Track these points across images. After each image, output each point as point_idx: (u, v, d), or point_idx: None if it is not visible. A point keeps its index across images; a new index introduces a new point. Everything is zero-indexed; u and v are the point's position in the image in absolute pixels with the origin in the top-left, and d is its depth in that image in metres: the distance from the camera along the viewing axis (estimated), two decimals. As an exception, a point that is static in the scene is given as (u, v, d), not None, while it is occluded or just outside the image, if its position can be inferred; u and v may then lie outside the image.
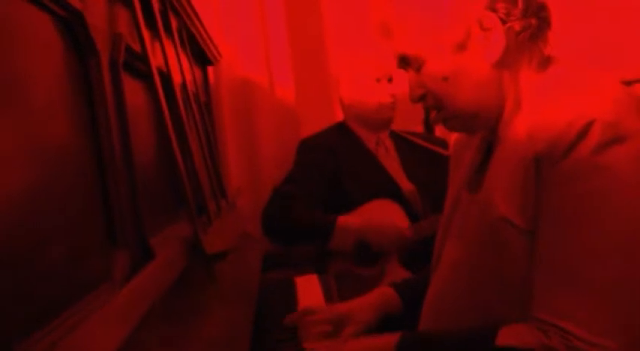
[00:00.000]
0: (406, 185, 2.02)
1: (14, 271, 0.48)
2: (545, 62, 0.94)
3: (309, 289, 1.53)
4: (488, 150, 1.00)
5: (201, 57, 1.68)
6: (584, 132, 0.78)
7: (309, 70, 2.50)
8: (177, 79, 1.12)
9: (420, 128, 2.60)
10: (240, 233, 1.42)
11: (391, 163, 2.09)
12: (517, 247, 0.86)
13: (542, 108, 0.87)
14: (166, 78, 1.00)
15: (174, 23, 1.13)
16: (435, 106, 0.98)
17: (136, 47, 0.89)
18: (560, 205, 0.81)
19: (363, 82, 2.08)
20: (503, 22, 0.89)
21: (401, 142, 2.16)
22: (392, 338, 0.94)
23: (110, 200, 0.71)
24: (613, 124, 0.79)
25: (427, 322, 1.05)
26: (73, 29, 0.67)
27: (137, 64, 0.92)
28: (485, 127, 0.98)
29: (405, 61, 0.97)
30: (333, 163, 2.02)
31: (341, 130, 2.15)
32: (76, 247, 0.61)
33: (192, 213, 0.87)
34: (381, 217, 1.89)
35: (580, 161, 0.79)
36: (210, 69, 1.86)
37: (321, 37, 2.60)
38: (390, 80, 2.07)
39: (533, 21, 0.90)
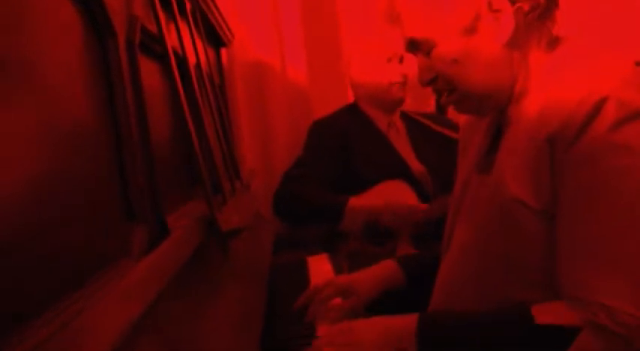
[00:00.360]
0: (417, 167, 2.03)
1: (36, 244, 0.50)
2: (555, 42, 0.94)
3: (320, 268, 1.55)
4: (497, 132, 1.01)
5: (215, 39, 1.69)
6: (596, 109, 0.79)
7: (321, 51, 2.50)
8: (191, 60, 1.13)
9: (431, 109, 2.60)
10: (254, 213, 1.44)
11: (402, 144, 2.09)
12: (530, 228, 0.86)
13: (552, 87, 0.87)
14: (181, 59, 1.02)
15: (188, 5, 1.14)
16: (445, 89, 0.98)
17: (152, 28, 0.90)
18: (581, 185, 0.81)
19: (373, 62, 2.08)
20: (512, 2, 0.90)
21: (412, 123, 2.17)
22: (409, 319, 0.91)
23: (128, 178, 0.73)
24: (626, 101, 0.79)
25: (438, 304, 1.06)
26: (92, 10, 0.69)
27: (153, 45, 0.94)
28: (496, 108, 0.98)
29: (414, 45, 0.98)
30: (345, 145, 2.03)
31: (352, 111, 2.15)
32: (95, 223, 0.63)
33: (207, 191, 0.89)
34: (391, 196, 1.90)
35: (596, 140, 0.79)
36: (223, 51, 1.87)
37: (334, 19, 2.60)
38: (401, 60, 2.07)
39: (542, 1, 0.91)
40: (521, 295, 0.88)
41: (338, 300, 1.17)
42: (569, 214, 0.83)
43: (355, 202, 1.86)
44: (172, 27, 1.02)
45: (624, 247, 0.79)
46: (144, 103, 0.80)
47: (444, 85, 0.97)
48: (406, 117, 2.18)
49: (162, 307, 0.70)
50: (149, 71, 0.93)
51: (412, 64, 1.03)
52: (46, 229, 0.52)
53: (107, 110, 0.72)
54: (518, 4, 0.90)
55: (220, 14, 1.55)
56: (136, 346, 0.58)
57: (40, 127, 0.54)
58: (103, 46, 0.72)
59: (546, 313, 0.83)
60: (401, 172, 1.99)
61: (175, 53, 0.99)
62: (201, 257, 0.92)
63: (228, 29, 1.73)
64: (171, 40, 1.00)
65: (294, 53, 2.36)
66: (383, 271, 1.20)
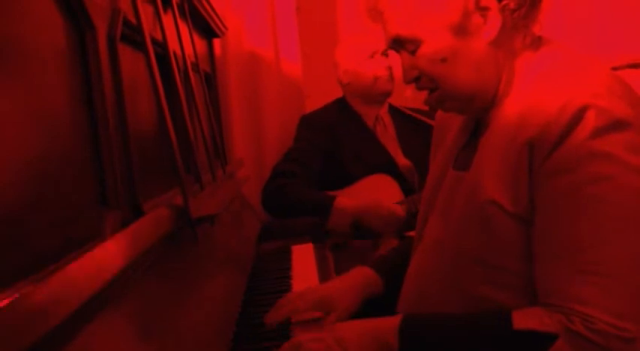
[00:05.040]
0: (403, 161, 2.06)
1: (12, 226, 0.54)
2: (537, 42, 0.93)
3: (304, 258, 1.58)
4: (475, 129, 1.01)
5: (206, 29, 1.71)
6: (577, 117, 0.79)
7: (316, 44, 2.52)
8: (176, 50, 1.15)
9: (425, 106, 2.61)
10: (231, 201, 1.46)
11: (389, 139, 2.12)
12: (504, 231, 0.86)
13: (534, 91, 0.87)
14: (163, 49, 1.04)
15: (175, -3, 1.17)
16: (429, 87, 0.97)
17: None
18: (559, 192, 0.81)
19: (357, 60, 2.11)
20: (499, 0, 0.89)
21: (399, 117, 2.19)
22: (392, 321, 0.91)
23: (103, 166, 0.77)
24: (607, 109, 0.79)
25: (409, 299, 1.06)
26: (71, 4, 0.72)
27: (137, 36, 0.96)
28: (481, 108, 0.97)
29: (398, 43, 0.96)
30: (332, 140, 2.06)
31: (341, 106, 2.18)
32: (69, 207, 0.67)
33: (181, 178, 0.92)
34: (376, 196, 1.92)
35: (576, 147, 0.79)
36: (217, 42, 1.89)
37: (329, 11, 2.62)
38: (385, 54, 2.10)
39: None
40: (494, 295, 0.89)
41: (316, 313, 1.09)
42: (546, 219, 0.82)
43: (341, 202, 1.88)
44: (158, 18, 1.04)
45: (601, 255, 0.78)
46: (122, 94, 0.83)
47: (427, 83, 0.96)
48: (394, 111, 2.21)
49: (136, 289, 0.73)
50: (133, 62, 0.96)
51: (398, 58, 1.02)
52: (24, 211, 0.56)
53: (85, 101, 0.75)
54: (504, 2, 0.89)
55: (211, 5, 1.57)
56: (109, 321, 0.63)
57: (19, 117, 0.57)
58: (82, 39, 0.75)
59: (526, 319, 0.81)
60: (387, 167, 2.01)
61: (157, 43, 1.01)
62: (178, 243, 0.95)
63: (220, 20, 1.75)
64: (155, 32, 1.03)
65: (288, 45, 2.38)
66: (362, 280, 1.15)
